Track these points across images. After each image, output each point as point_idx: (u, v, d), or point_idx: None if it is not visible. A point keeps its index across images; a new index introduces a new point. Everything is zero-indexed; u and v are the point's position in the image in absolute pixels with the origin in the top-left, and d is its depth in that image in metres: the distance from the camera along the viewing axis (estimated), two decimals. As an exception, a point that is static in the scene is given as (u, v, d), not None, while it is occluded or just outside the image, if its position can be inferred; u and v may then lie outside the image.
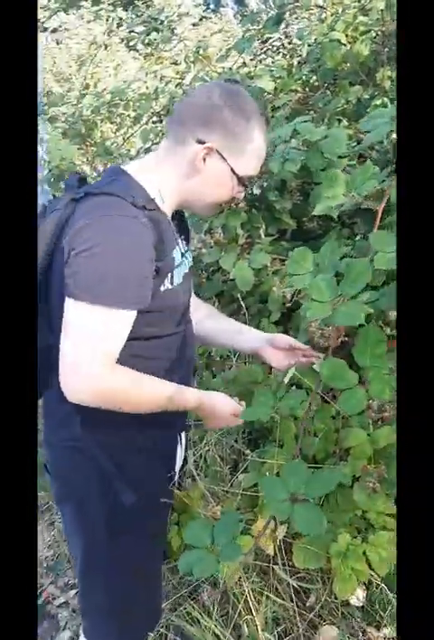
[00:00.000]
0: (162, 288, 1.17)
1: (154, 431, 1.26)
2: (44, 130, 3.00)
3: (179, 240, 1.30)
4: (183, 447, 1.44)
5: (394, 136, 1.09)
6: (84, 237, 1.07)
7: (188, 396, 1.24)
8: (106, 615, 1.35)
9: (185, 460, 1.52)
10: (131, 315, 1.11)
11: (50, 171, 3.08)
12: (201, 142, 1.17)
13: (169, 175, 1.21)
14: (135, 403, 1.15)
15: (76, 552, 1.34)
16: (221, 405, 1.30)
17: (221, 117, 1.16)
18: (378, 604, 1.57)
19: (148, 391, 1.17)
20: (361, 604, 1.59)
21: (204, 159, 1.18)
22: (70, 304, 1.08)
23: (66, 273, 1.09)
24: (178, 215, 1.33)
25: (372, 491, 1.33)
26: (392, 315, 1.29)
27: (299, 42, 2.79)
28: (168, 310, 1.22)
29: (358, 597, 1.57)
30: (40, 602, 2.08)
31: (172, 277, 1.20)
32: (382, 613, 1.59)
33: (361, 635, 1.61)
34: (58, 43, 7.36)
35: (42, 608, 2.06)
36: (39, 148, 2.99)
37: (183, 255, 1.30)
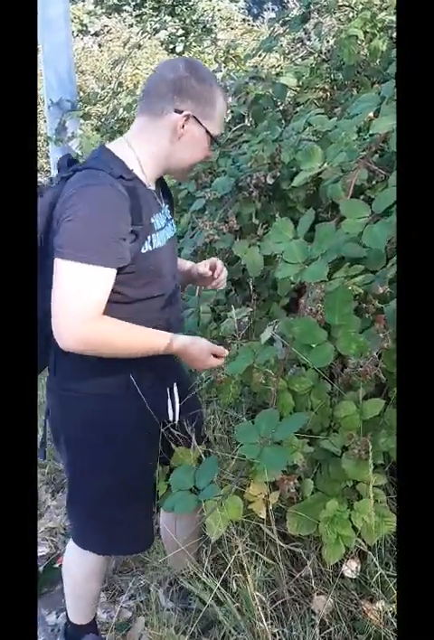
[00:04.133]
0: (143, 250, 1.31)
1: (141, 383, 1.40)
2: (77, 126, 3.15)
3: (163, 207, 1.45)
4: (176, 401, 1.55)
5: (371, 114, 1.16)
6: (68, 205, 1.23)
7: (169, 340, 1.36)
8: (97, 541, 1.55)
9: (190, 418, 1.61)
10: (111, 272, 1.25)
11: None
12: (178, 111, 1.31)
13: (149, 146, 1.36)
14: (120, 348, 1.30)
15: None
16: (201, 347, 1.42)
17: (190, 87, 1.31)
18: (370, 576, 1.61)
19: (131, 337, 1.31)
20: (355, 576, 1.64)
21: (183, 125, 1.32)
22: (58, 263, 1.23)
23: (55, 239, 1.25)
24: (161, 184, 1.49)
25: (358, 459, 1.40)
26: (381, 288, 1.37)
27: (320, 41, 2.84)
28: (151, 272, 1.35)
29: (351, 568, 1.62)
30: (56, 566, 2.21)
31: (152, 240, 1.34)
32: (376, 587, 1.63)
33: (355, 607, 1.66)
34: (100, 46, 7.61)
35: (59, 571, 2.19)
36: (72, 142, 3.14)
37: (167, 220, 1.45)
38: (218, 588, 1.49)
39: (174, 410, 1.55)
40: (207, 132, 1.36)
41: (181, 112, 1.31)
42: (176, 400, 1.55)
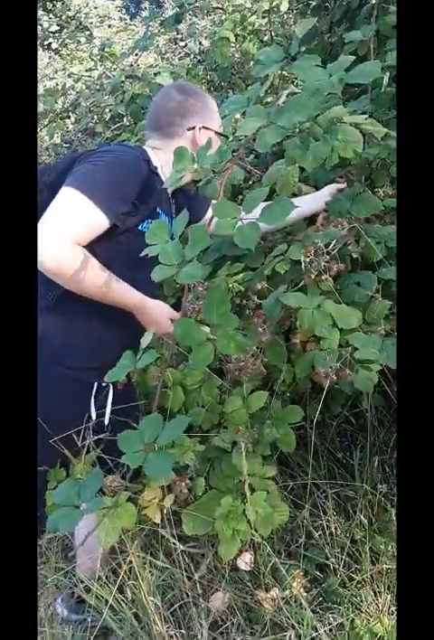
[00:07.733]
0: (140, 227, 1.41)
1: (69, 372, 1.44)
2: None
3: (171, 210, 1.60)
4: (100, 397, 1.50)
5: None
6: (94, 156, 1.38)
7: (133, 294, 1.42)
8: None
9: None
10: (103, 218, 1.31)
11: None
12: (190, 128, 1.55)
13: (169, 157, 1.38)
14: (84, 282, 1.31)
15: None
16: (160, 308, 1.49)
17: (190, 105, 1.56)
18: (264, 566, 1.64)
19: (97, 276, 1.33)
20: (249, 568, 1.67)
21: (199, 136, 1.55)
22: (61, 189, 1.30)
23: (69, 175, 1.34)
24: (181, 196, 1.66)
25: (245, 452, 1.42)
26: (259, 285, 1.41)
27: (194, 42, 2.87)
28: (135, 255, 1.28)
29: (245, 560, 1.65)
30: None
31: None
32: (269, 576, 1.67)
33: (250, 598, 1.69)
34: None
35: None
36: None
37: (170, 220, 1.57)
38: (114, 597, 1.45)
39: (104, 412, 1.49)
40: (216, 132, 1.59)
41: (193, 128, 1.54)
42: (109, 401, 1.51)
